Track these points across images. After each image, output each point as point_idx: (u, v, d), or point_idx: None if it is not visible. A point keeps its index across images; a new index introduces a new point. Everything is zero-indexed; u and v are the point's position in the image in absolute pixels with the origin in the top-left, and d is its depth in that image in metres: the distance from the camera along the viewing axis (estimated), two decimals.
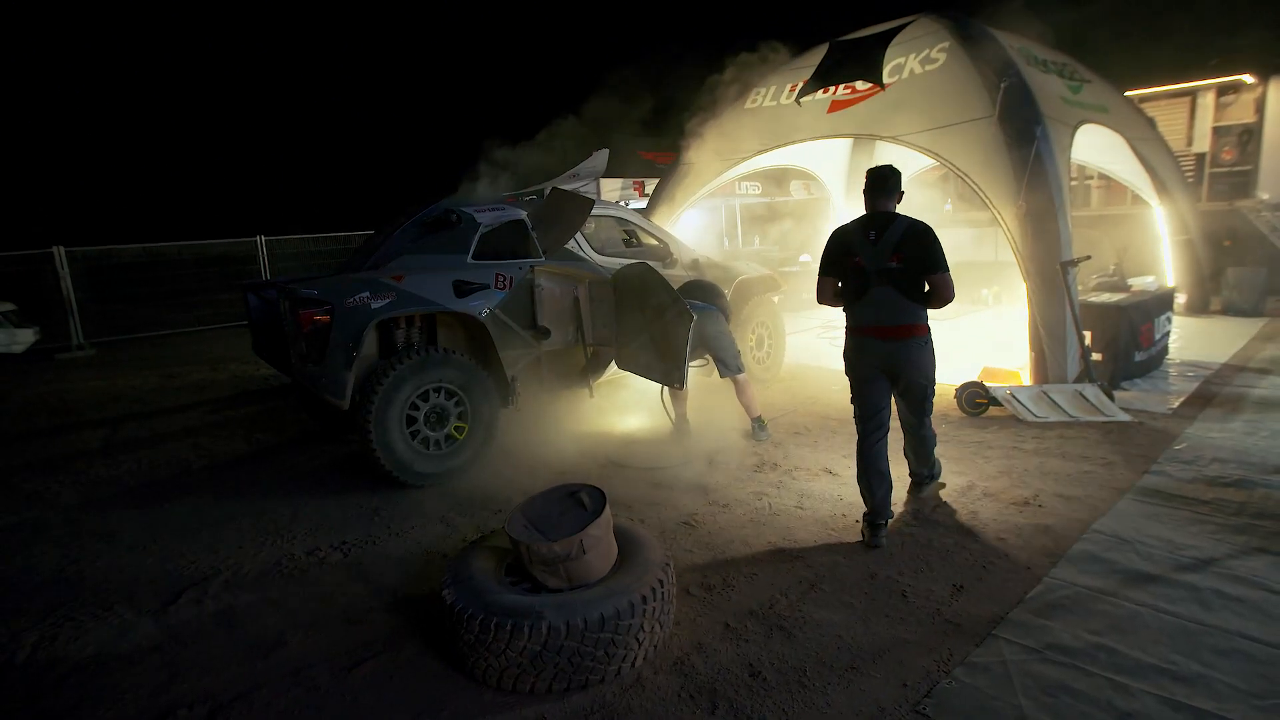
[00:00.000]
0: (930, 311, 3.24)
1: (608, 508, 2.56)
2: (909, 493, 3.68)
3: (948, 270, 3.15)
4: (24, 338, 8.69)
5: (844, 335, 3.40)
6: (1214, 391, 5.34)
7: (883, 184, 3.31)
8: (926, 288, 3.19)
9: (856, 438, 3.35)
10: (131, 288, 11.67)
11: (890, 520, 3.28)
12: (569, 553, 2.40)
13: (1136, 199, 8.49)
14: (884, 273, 3.18)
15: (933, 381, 3.35)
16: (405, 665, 2.50)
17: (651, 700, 2.25)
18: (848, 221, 3.39)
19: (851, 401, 3.40)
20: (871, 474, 3.28)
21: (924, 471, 3.64)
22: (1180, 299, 8.13)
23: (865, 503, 3.30)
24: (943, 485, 3.76)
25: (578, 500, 2.63)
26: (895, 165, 3.45)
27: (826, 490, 3.86)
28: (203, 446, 5.33)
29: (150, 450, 5.30)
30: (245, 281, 5.00)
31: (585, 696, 2.27)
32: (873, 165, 3.42)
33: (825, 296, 3.41)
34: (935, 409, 3.58)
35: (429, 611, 2.79)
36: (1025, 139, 5.26)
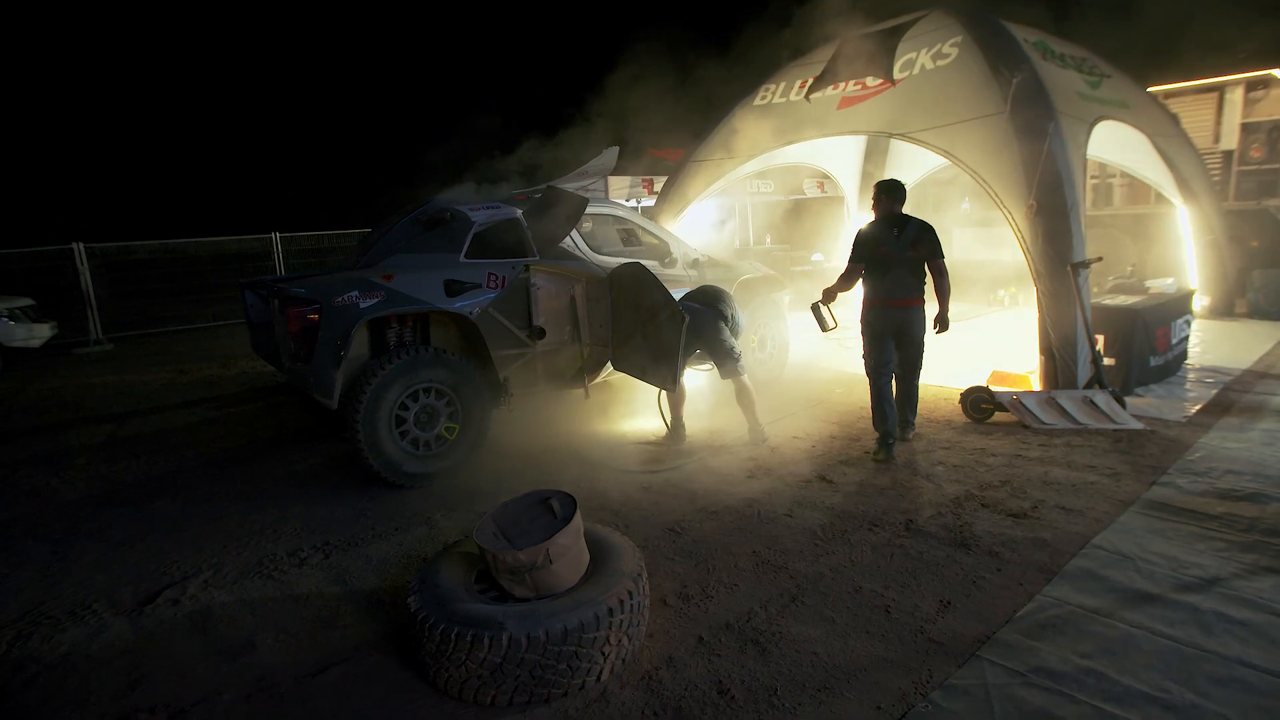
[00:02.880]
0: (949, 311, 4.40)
1: (578, 515, 2.49)
2: (900, 437, 4.46)
3: (944, 257, 4.29)
4: (41, 332, 8.82)
5: (864, 307, 4.43)
6: (1233, 399, 5.14)
7: (896, 192, 4.38)
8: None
9: (869, 381, 4.40)
10: (149, 283, 11.85)
11: (895, 440, 4.36)
12: (534, 562, 2.34)
13: (1160, 198, 8.22)
14: (903, 260, 4.25)
15: (923, 337, 4.39)
16: (370, 673, 2.46)
17: (614, 717, 2.17)
18: (871, 222, 4.45)
19: (864, 356, 4.46)
20: (885, 406, 4.36)
21: (910, 419, 4.58)
22: (1204, 302, 7.86)
23: (877, 428, 4.38)
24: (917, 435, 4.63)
25: (549, 507, 2.57)
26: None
27: (819, 498, 3.76)
28: (202, 443, 5.36)
29: (151, 446, 5.34)
30: (243, 279, 5.00)
31: (547, 711, 2.21)
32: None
33: (850, 280, 4.43)
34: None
35: (400, 617, 2.75)
36: (1037, 135, 5.09)
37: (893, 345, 4.35)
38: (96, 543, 3.67)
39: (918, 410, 4.67)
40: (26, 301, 8.87)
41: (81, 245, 10.58)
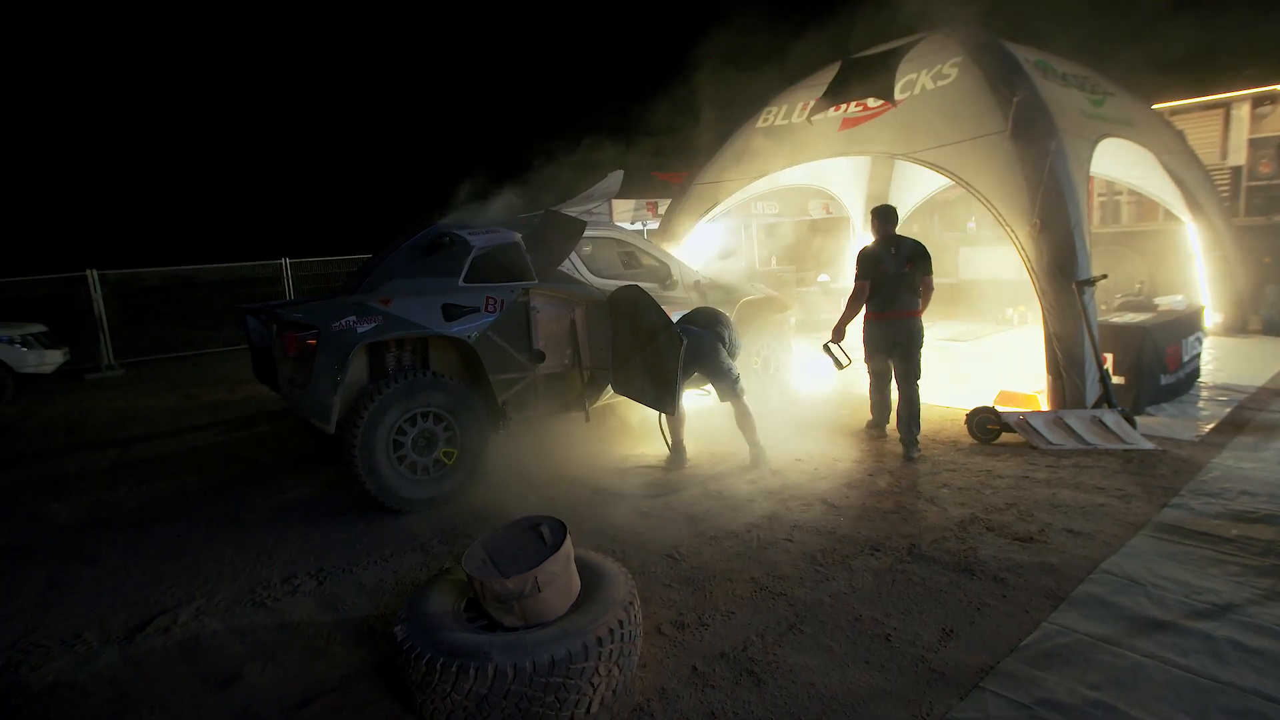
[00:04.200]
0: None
1: (568, 542, 2.45)
2: (903, 459, 4.61)
3: (933, 274, 4.78)
4: (53, 358, 8.91)
5: (865, 321, 4.85)
6: (1247, 417, 5.02)
7: (889, 217, 4.88)
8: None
9: (870, 381, 5.06)
10: (161, 309, 12.00)
11: (887, 424, 5.04)
12: (522, 590, 2.29)
13: (1168, 215, 8.15)
14: (900, 276, 4.69)
15: (921, 346, 4.72)
16: (357, 704, 2.40)
17: None
18: (872, 243, 4.88)
19: (865, 360, 4.96)
20: (881, 404, 5.07)
21: (915, 434, 4.66)
22: (1217, 319, 7.74)
23: (874, 415, 5.12)
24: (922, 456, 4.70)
25: (539, 533, 2.52)
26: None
27: (821, 523, 3.68)
28: (204, 468, 5.36)
29: (153, 471, 5.35)
30: (245, 304, 5.03)
31: None
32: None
33: (860, 298, 4.82)
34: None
35: (389, 646, 2.70)
36: (1039, 154, 5.06)
37: (888, 355, 4.79)
38: (92, 569, 3.65)
39: (921, 426, 4.70)
40: (39, 328, 8.97)
41: (95, 272, 10.73)
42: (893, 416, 4.97)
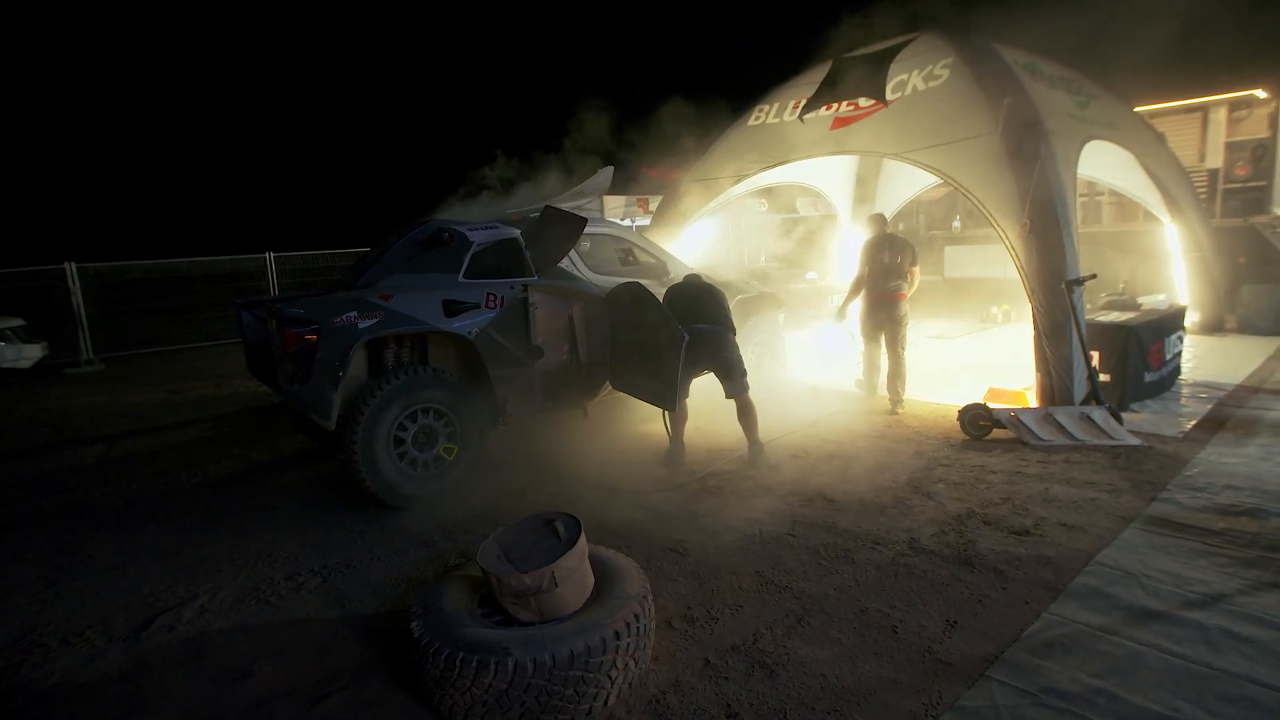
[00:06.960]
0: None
1: (583, 537, 2.47)
2: (890, 410, 5.61)
3: (918, 263, 5.74)
4: (31, 353, 8.75)
5: (862, 302, 5.86)
6: (1228, 414, 5.17)
7: (883, 221, 5.99)
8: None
9: (862, 354, 5.98)
10: (142, 303, 11.76)
11: (876, 384, 5.92)
12: (540, 585, 2.31)
13: (1148, 215, 8.33)
14: (890, 266, 5.65)
15: (905, 324, 5.67)
16: (371, 700, 2.41)
17: None
18: (869, 240, 5.88)
19: (861, 335, 5.92)
20: (870, 366, 5.91)
21: (899, 392, 5.66)
22: (1194, 318, 7.94)
23: (865, 377, 6.01)
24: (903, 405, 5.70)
25: (553, 529, 2.54)
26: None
27: (821, 517, 3.74)
28: (196, 465, 5.30)
29: (143, 468, 5.27)
30: (238, 299, 4.97)
31: None
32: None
33: (860, 283, 5.84)
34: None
35: (400, 642, 2.71)
36: (1029, 156, 5.16)
37: (880, 332, 5.72)
38: (87, 567, 3.61)
39: (902, 393, 5.75)
40: (17, 322, 8.80)
41: (74, 265, 10.51)
42: (883, 380, 5.88)
